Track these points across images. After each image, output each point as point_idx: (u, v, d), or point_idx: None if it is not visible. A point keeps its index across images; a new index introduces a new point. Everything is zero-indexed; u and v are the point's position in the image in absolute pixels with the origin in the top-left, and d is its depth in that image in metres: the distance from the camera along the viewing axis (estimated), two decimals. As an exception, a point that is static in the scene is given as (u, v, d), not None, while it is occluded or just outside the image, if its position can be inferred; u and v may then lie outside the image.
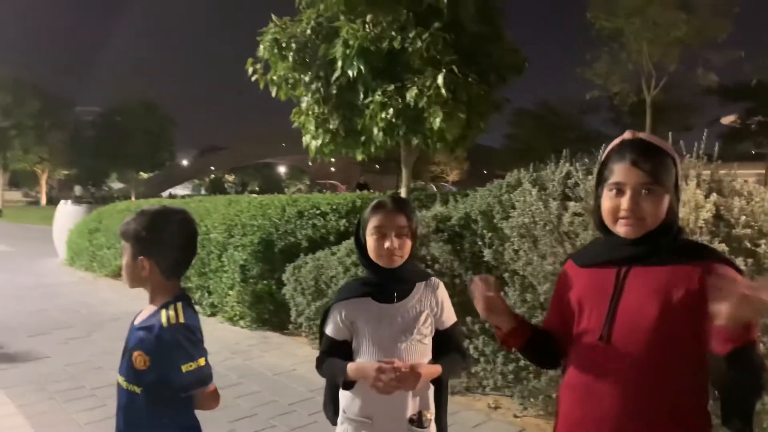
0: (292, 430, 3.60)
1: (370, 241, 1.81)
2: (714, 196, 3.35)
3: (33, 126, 40.57)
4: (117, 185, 58.95)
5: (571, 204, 3.73)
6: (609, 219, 1.46)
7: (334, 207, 7.07)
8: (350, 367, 1.76)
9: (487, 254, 4.07)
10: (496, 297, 1.51)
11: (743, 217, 3.20)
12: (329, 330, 1.86)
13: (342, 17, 5.88)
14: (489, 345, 3.87)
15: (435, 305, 1.86)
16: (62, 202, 14.11)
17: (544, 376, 3.54)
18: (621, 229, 1.43)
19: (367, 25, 5.44)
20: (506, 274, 3.95)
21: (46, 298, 7.92)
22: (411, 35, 5.46)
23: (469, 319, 4.02)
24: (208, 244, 6.94)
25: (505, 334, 1.58)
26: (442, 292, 1.90)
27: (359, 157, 6.42)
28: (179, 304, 1.68)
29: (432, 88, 5.32)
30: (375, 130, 5.73)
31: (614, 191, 1.43)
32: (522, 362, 3.64)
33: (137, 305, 1.80)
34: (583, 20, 28.57)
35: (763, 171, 27.17)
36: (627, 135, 1.49)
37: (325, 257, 5.31)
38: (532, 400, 3.69)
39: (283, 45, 5.92)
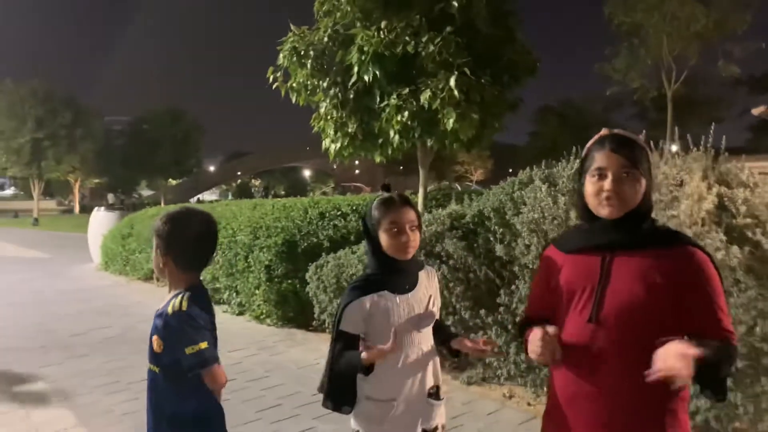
0: (314, 418, 3.79)
1: (386, 237, 1.88)
2: (716, 188, 3.45)
3: (65, 136, 41.52)
4: (147, 192, 60.23)
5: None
6: (593, 202, 1.61)
7: (354, 208, 7.28)
8: (367, 354, 1.80)
9: (499, 249, 4.21)
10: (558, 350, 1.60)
11: (744, 208, 3.29)
12: (349, 327, 1.89)
13: (358, 24, 6.06)
14: (501, 336, 4.01)
15: (434, 289, 2.03)
16: (96, 209, 14.55)
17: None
18: (604, 210, 1.58)
19: (381, 32, 5.60)
20: (517, 268, 4.09)
21: (84, 302, 8.32)
22: (424, 40, 5.58)
23: (482, 311, 4.17)
24: (234, 246, 7.20)
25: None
26: (435, 277, 2.07)
27: (377, 159, 6.56)
28: (186, 295, 1.87)
29: (445, 90, 5.44)
30: (391, 133, 5.87)
31: (596, 176, 1.59)
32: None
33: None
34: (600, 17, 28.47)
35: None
36: (604, 132, 1.68)
37: (345, 256, 5.47)
38: (544, 388, 3.82)
39: (302, 53, 6.10)
